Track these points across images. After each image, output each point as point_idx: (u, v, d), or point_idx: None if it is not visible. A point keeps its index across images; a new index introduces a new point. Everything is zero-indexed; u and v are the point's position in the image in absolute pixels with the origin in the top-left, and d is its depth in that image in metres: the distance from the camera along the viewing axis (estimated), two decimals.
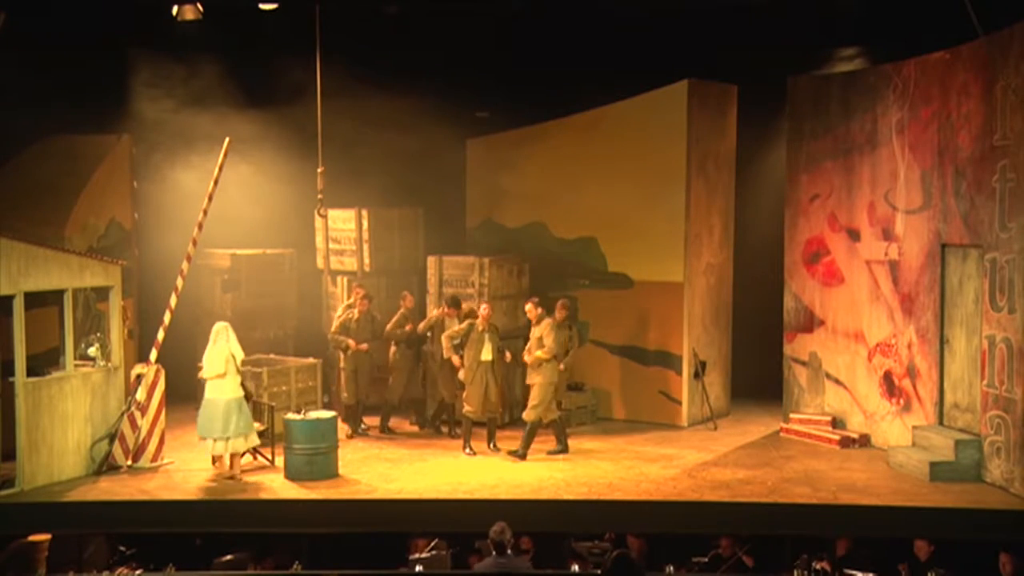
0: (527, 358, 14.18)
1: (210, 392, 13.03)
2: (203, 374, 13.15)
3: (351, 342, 15.02)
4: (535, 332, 14.16)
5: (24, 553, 11.95)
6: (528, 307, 14.33)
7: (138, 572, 10.99)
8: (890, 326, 14.36)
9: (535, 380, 14.07)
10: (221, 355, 13.04)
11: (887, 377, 14.42)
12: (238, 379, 13.14)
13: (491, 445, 14.27)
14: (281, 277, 17.24)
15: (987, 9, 12.48)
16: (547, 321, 14.11)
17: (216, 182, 14.13)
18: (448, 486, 12.76)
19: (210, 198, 14.11)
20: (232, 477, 13.03)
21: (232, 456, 13.07)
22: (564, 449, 14.15)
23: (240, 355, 13.21)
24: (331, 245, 16.73)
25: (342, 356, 15.27)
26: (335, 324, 15.30)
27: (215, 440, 12.98)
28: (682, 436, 15.17)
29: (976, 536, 11.63)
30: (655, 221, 15.68)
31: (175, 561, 10.44)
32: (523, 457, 13.90)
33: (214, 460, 13.30)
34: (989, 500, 12.19)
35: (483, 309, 14.37)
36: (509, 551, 9.39)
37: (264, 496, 12.52)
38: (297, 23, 14.43)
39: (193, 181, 15.21)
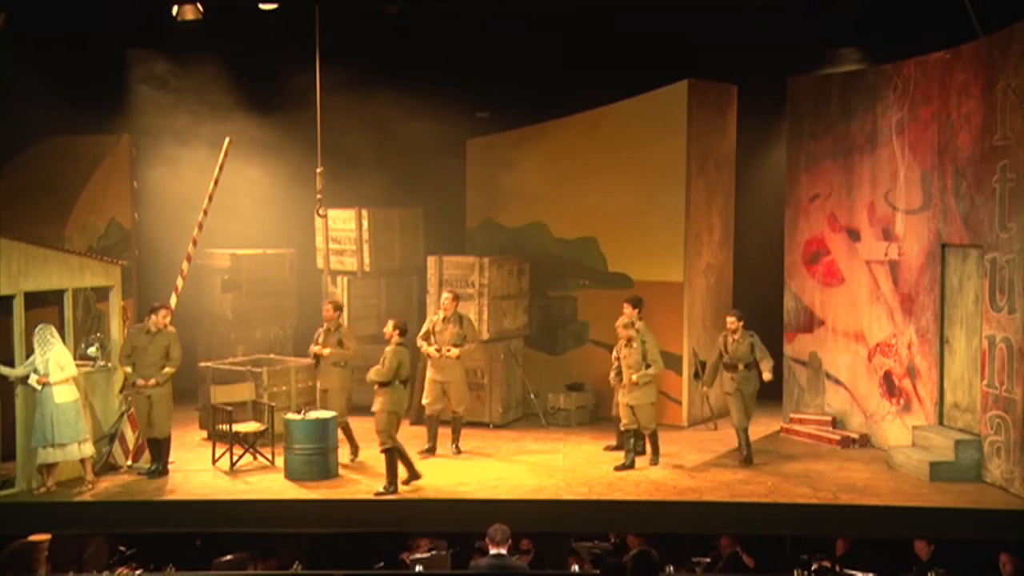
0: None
1: (60, 396, 12.32)
2: (52, 378, 12.30)
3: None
4: None
5: (24, 553, 11.91)
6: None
7: (138, 572, 11.02)
8: (890, 326, 14.36)
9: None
10: (67, 356, 12.54)
11: (887, 377, 14.42)
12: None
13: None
14: (281, 277, 17.22)
15: (987, 9, 12.50)
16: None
17: (216, 182, 14.14)
18: (448, 486, 12.76)
19: (210, 198, 14.11)
20: (92, 482, 12.65)
21: (88, 459, 12.69)
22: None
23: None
24: (331, 245, 16.71)
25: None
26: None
27: (80, 444, 12.46)
28: (682, 436, 15.15)
29: (976, 536, 11.63)
30: (655, 221, 15.67)
31: (175, 561, 10.47)
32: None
33: (46, 471, 12.47)
34: (989, 500, 12.19)
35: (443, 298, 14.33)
36: (504, 551, 9.35)
37: (264, 496, 12.51)
38: (297, 23, 14.42)
39: (193, 181, 15.20)
